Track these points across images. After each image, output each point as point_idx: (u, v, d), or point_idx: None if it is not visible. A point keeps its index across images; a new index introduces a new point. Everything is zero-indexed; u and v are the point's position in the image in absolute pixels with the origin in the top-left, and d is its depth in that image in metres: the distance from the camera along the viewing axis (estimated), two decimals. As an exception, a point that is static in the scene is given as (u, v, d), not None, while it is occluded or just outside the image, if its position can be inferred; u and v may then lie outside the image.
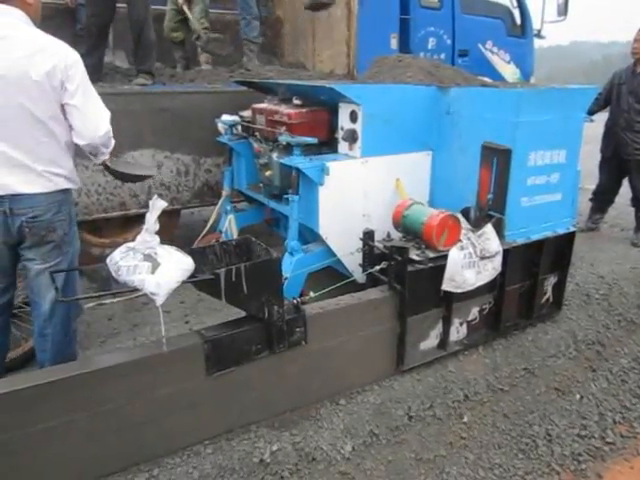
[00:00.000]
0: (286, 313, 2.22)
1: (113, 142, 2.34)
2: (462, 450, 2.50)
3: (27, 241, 2.22)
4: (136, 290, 1.95)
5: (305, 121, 3.17)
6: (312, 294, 2.36)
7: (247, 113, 3.81)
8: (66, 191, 2.25)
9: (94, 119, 2.20)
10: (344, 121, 3.12)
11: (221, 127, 3.94)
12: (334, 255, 3.05)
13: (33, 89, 2.05)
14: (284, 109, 3.26)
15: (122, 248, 1.99)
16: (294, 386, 2.43)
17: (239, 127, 3.87)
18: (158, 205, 1.94)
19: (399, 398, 2.63)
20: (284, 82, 3.68)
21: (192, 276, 1.99)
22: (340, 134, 3.15)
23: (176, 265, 1.94)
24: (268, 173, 3.33)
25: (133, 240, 3.98)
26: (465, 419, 2.64)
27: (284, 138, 3.05)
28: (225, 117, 3.85)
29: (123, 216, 4.02)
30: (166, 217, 4.16)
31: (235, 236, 3.70)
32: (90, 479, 2.04)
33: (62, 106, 2.15)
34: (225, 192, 3.95)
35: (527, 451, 2.52)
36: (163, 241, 2.05)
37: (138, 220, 4.16)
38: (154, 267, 1.89)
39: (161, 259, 1.92)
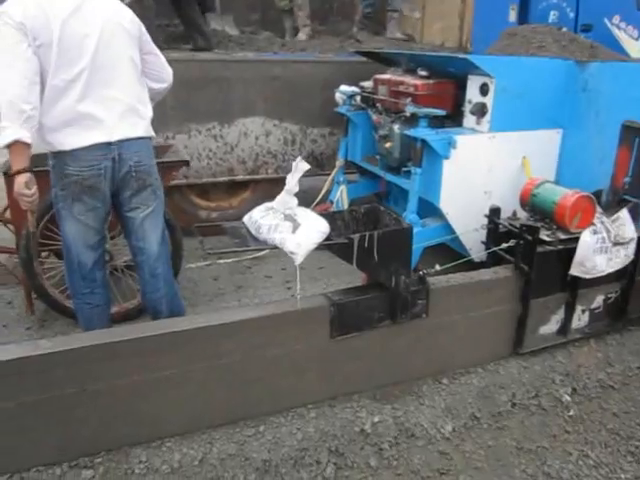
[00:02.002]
0: (411, 284, 2.20)
1: None
2: (566, 444, 2.37)
3: (130, 188, 2.32)
4: (274, 247, 2.01)
5: (432, 93, 3.11)
6: (438, 267, 2.30)
7: (368, 84, 3.77)
8: (152, 139, 2.41)
9: (167, 64, 2.46)
10: (473, 94, 3.02)
11: (339, 97, 3.92)
12: (452, 231, 2.97)
13: (127, 37, 2.23)
14: (410, 80, 3.20)
15: (261, 207, 2.03)
16: (400, 359, 2.40)
17: (358, 98, 3.82)
18: (301, 167, 1.95)
19: (503, 383, 2.54)
20: (409, 53, 3.59)
21: (326, 239, 2.00)
22: (467, 107, 3.06)
23: (314, 227, 1.97)
24: (388, 145, 3.28)
25: (236, 206, 4.11)
26: (571, 413, 2.50)
27: (411, 109, 3.00)
28: (344, 87, 3.83)
29: (230, 182, 4.13)
30: (271, 185, 4.24)
31: (346, 207, 3.70)
32: (201, 428, 2.12)
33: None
34: (339, 163, 3.93)
35: (637, 454, 2.35)
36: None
37: (243, 187, 4.27)
38: (295, 227, 1.92)
39: (301, 220, 1.95)
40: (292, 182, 1.96)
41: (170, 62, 2.46)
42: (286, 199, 1.98)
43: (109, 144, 2.19)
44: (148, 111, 2.33)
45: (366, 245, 1.99)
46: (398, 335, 2.32)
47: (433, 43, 5.27)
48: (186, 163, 3.21)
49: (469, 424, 2.38)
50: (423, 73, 3.17)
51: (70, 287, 2.50)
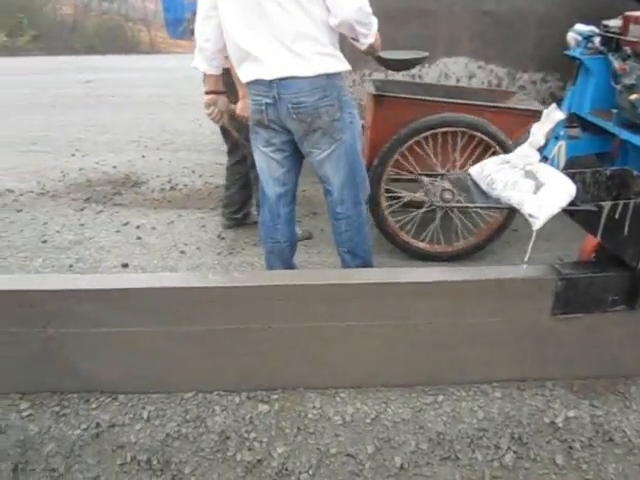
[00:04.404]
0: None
1: (374, 21, 2.11)
2: None
3: (296, 131, 2.21)
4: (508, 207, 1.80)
5: None
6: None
7: (614, 23, 3.19)
8: (332, 75, 2.13)
9: None
10: None
11: (572, 38, 3.38)
12: None
13: None
14: None
15: (496, 159, 1.81)
16: (612, 351, 2.07)
17: (596, 39, 3.27)
18: (554, 116, 1.66)
19: None
20: None
21: (570, 204, 1.72)
22: None
23: (561, 188, 1.70)
24: (633, 97, 2.76)
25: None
26: None
27: None
28: (580, 27, 3.29)
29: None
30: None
31: (562, 166, 3.26)
32: (377, 385, 2.03)
33: None
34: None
35: None
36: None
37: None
38: (537, 187, 1.66)
39: (544, 179, 1.68)
40: (539, 133, 1.67)
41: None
42: (528, 153, 1.70)
43: (270, 82, 2.11)
44: (318, 47, 2.08)
45: (617, 215, 1.67)
46: (620, 323, 1.99)
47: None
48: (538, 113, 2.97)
49: (684, 441, 2.00)
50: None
51: (260, 218, 2.55)
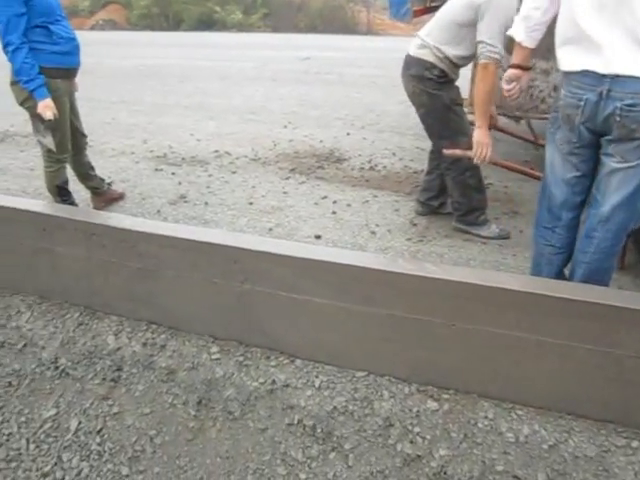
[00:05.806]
0: None
1: None
2: None
3: (611, 133, 1.94)
4: None
5: None
6: None
7: None
8: None
9: None
10: None
11: None
12: None
13: None
14: None
15: None
16: None
17: None
18: None
19: None
20: None
21: None
22: None
23: None
24: None
25: None
26: None
27: None
28: None
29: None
30: None
31: None
32: (560, 411, 1.84)
33: None
34: None
35: None
36: None
37: None
38: None
39: None
40: None
41: None
42: None
43: (602, 76, 1.89)
44: None
45: None
46: None
47: None
48: None
49: None
50: None
51: (537, 215, 2.35)
